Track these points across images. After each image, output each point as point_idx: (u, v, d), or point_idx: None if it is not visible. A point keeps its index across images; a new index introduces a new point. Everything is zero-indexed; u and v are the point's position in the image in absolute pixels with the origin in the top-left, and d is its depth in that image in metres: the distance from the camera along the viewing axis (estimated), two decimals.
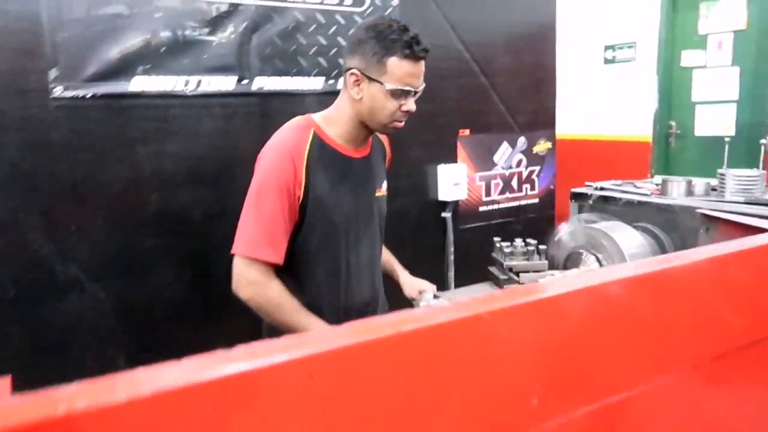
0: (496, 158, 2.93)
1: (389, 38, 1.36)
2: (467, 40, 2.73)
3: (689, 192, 1.61)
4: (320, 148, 1.41)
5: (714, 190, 1.65)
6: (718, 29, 4.34)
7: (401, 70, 1.36)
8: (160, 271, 2.09)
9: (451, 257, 2.78)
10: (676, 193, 1.60)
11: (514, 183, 3.01)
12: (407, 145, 2.62)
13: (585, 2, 5.08)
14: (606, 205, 1.68)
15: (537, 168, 3.08)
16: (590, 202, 1.71)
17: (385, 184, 1.63)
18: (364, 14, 2.43)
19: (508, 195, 3.00)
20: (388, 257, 1.81)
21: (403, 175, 2.64)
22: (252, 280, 1.36)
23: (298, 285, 1.43)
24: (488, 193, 2.92)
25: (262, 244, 1.35)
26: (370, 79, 1.37)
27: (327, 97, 2.38)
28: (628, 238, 1.47)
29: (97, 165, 1.94)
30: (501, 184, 2.96)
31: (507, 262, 1.44)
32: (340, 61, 2.38)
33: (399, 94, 1.37)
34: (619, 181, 1.87)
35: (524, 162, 3.02)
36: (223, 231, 2.16)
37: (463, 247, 2.85)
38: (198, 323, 2.14)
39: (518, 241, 1.49)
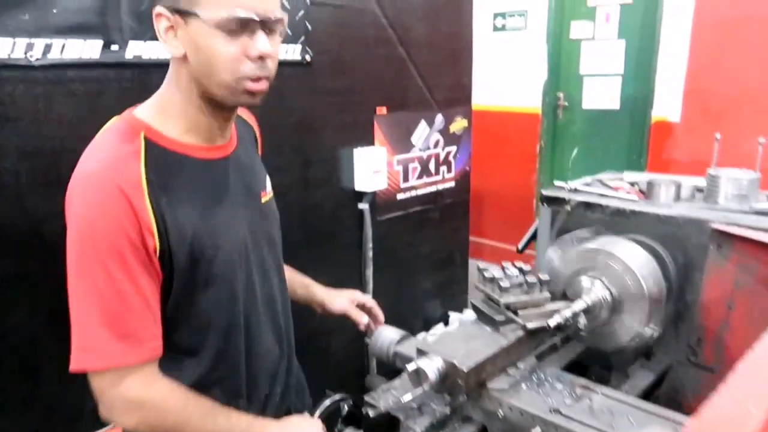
0: (414, 139, 2.61)
1: None
2: (385, 5, 2.34)
3: (678, 196, 1.40)
4: (161, 160, 0.93)
5: (700, 191, 1.47)
6: (606, 2, 4.34)
7: None
8: (6, 308, 1.52)
9: (370, 253, 2.45)
10: (665, 197, 1.39)
11: (432, 166, 2.73)
12: (317, 127, 2.21)
13: None
14: (588, 213, 1.43)
15: (453, 148, 2.81)
16: (567, 208, 1.45)
17: (269, 182, 1.18)
18: None
19: (425, 179, 2.71)
20: (294, 276, 1.37)
21: (314, 162, 2.23)
22: (133, 400, 0.91)
23: (177, 364, 0.98)
24: (406, 179, 2.61)
25: (126, 343, 0.89)
26: (184, 15, 0.88)
27: None
28: (633, 255, 1.23)
29: None
30: (419, 168, 2.66)
31: (504, 299, 1.13)
32: None
33: (235, 29, 0.87)
34: (587, 179, 1.64)
35: (441, 142, 2.75)
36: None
37: (382, 242, 2.52)
38: (60, 376, 1.61)
39: (510, 269, 1.19)
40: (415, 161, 2.63)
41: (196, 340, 1.01)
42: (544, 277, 1.17)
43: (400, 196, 2.60)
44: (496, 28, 4.86)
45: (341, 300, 1.36)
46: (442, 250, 2.89)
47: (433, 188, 2.76)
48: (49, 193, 1.55)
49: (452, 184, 2.85)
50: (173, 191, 0.93)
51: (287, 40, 2.03)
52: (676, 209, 1.33)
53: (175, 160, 0.95)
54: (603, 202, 1.41)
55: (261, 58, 0.90)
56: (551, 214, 1.50)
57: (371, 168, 2.35)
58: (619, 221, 1.37)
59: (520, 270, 1.21)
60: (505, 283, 1.13)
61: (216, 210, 0.99)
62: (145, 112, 0.99)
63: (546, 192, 1.52)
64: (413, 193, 2.67)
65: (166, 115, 0.97)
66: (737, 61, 3.59)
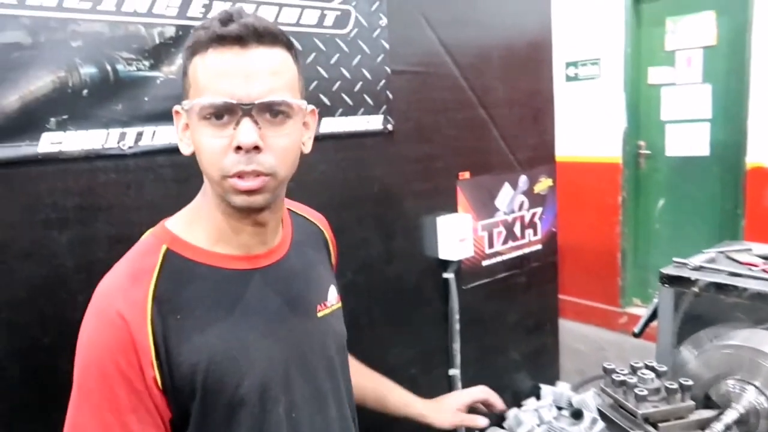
0: (497, 203, 2.49)
1: (193, 35, 0.84)
2: (463, 66, 2.28)
3: None
4: (180, 274, 0.85)
5: None
6: (687, 45, 4.16)
7: (207, 72, 0.80)
8: None
9: (457, 326, 2.31)
10: None
11: (517, 229, 2.59)
12: (399, 196, 2.14)
13: None
14: (720, 297, 1.25)
15: (539, 210, 2.67)
16: (695, 290, 1.28)
17: (333, 292, 1.03)
18: (347, 37, 1.92)
19: (511, 244, 2.57)
20: (382, 384, 1.23)
21: (397, 232, 2.15)
22: None
23: None
24: (491, 245, 2.48)
25: None
26: (187, 112, 0.85)
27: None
28: None
29: None
30: (504, 232, 2.53)
31: (642, 410, 0.97)
32: (323, 97, 1.88)
33: (216, 118, 0.79)
34: (711, 252, 1.47)
35: (526, 204, 2.61)
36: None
37: (467, 311, 2.38)
38: None
39: (645, 372, 1.04)
40: (500, 225, 2.51)
41: None
42: (686, 381, 1.01)
43: (485, 263, 2.47)
44: (568, 78, 4.74)
45: (447, 415, 1.20)
46: (531, 316, 2.71)
47: (519, 252, 2.62)
48: None
49: (539, 246, 2.70)
50: (189, 311, 0.84)
51: (369, 110, 1.99)
52: None
53: (197, 273, 0.86)
54: (739, 283, 1.24)
55: (244, 149, 0.79)
56: (674, 297, 1.33)
57: (456, 235, 2.24)
58: (761, 307, 1.19)
59: (653, 370, 1.05)
60: (641, 391, 0.98)
61: (242, 328, 0.87)
62: (176, 221, 0.94)
63: (666, 270, 1.36)
64: (499, 258, 2.53)
65: (196, 223, 0.91)
66: None
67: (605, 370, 1.06)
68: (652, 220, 4.52)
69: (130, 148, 1.48)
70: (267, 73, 0.80)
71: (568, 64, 4.67)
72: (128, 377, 0.80)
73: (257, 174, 0.81)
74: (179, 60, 1.56)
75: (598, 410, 1.07)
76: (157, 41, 1.52)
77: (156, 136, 1.53)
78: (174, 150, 1.57)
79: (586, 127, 4.61)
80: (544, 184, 2.68)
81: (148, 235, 0.94)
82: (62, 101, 1.38)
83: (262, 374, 0.86)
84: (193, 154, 0.88)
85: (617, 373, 1.04)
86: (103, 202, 1.46)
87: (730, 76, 3.94)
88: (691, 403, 1.00)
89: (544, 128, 2.67)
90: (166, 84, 1.54)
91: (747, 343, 1.08)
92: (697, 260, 1.40)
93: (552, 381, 2.78)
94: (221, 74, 0.78)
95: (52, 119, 1.37)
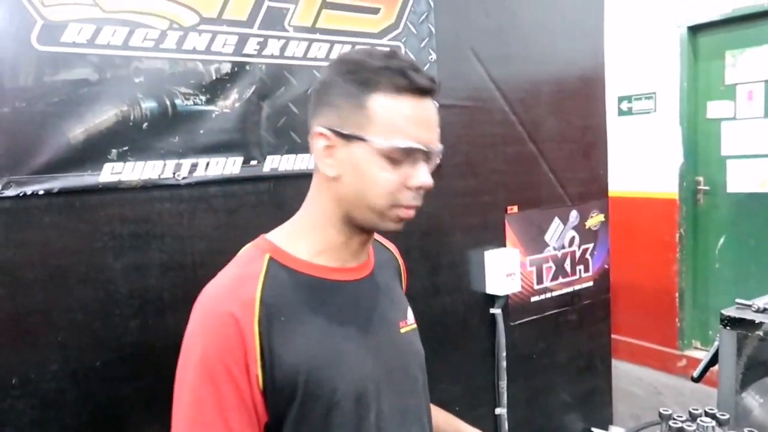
0: (547, 237, 2.45)
1: (369, 68, 0.86)
2: (513, 101, 2.27)
3: None
4: (283, 281, 0.90)
5: None
6: (748, 78, 4.02)
7: (397, 114, 0.85)
8: (142, 427, 1.50)
9: (504, 363, 2.26)
10: None
11: (567, 265, 2.53)
12: (447, 230, 2.12)
13: None
14: None
15: (590, 246, 2.60)
16: (760, 333, 1.20)
17: (411, 313, 1.08)
18: None
19: (561, 280, 2.51)
20: (460, 426, 1.24)
21: (443, 266, 2.13)
22: None
23: None
24: (540, 281, 2.43)
25: None
26: (348, 138, 0.86)
27: None
28: None
29: (52, 287, 1.37)
30: (553, 268, 2.47)
31: None
32: None
33: (399, 158, 0.86)
34: None
35: (577, 240, 2.55)
36: None
37: (515, 348, 2.33)
38: None
39: (705, 420, 0.98)
40: (550, 261, 2.45)
41: None
42: (751, 431, 0.94)
43: (534, 299, 2.42)
44: (621, 112, 4.65)
45: None
46: (582, 356, 2.62)
47: (569, 289, 2.55)
48: (187, 309, 1.55)
49: (590, 283, 2.62)
50: (292, 315, 0.88)
51: None
52: None
53: (299, 282, 0.91)
54: None
55: (423, 189, 0.89)
56: (737, 340, 1.26)
57: (503, 270, 2.20)
58: None
59: (714, 417, 0.99)
60: None
61: (338, 335, 0.91)
62: (276, 234, 0.98)
63: (728, 312, 1.29)
64: (548, 295, 2.47)
65: (299, 235, 0.95)
66: None
67: (661, 416, 1.00)
68: (712, 258, 4.32)
69: (184, 178, 1.54)
70: (438, 124, 0.92)
71: (621, 99, 4.59)
72: (234, 376, 0.83)
73: (418, 207, 0.93)
74: (234, 95, 1.62)
75: None
76: (214, 77, 1.58)
77: (209, 168, 1.58)
78: (225, 181, 1.62)
79: (641, 162, 4.48)
80: (595, 220, 2.61)
81: (248, 248, 0.98)
82: (123, 134, 1.45)
83: (357, 381, 0.90)
84: (334, 180, 0.92)
85: (675, 420, 0.98)
86: (157, 230, 1.51)
87: None
88: None
89: (596, 163, 2.62)
90: (221, 117, 1.60)
91: None
92: (761, 302, 1.32)
93: (605, 425, 2.66)
94: (416, 123, 0.86)
95: (114, 150, 1.43)
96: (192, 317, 0.90)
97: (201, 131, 1.57)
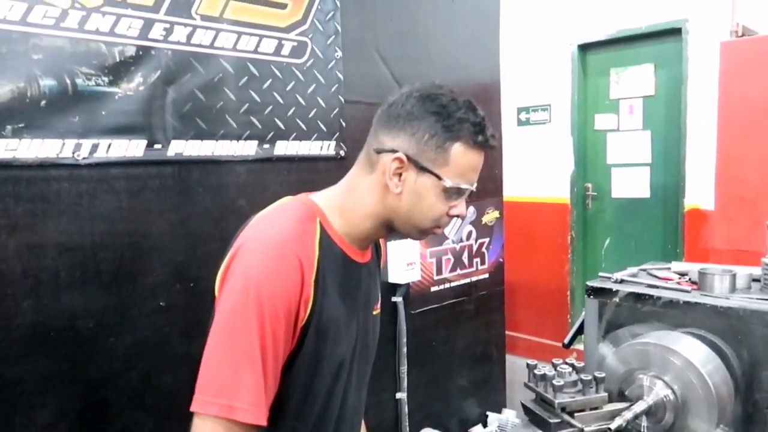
0: (446, 231, 2.59)
1: (455, 116, 0.99)
2: None
3: (733, 286, 1.33)
4: (329, 250, 1.01)
5: (756, 281, 1.39)
6: (629, 94, 4.43)
7: (467, 162, 1.00)
8: (35, 410, 1.47)
9: (404, 349, 2.37)
10: (720, 288, 1.32)
11: (465, 258, 2.68)
12: None
13: None
14: (638, 305, 1.36)
15: (486, 240, 2.78)
16: (616, 300, 1.38)
17: (379, 296, 1.22)
18: (303, 66, 2.02)
19: (459, 272, 2.66)
20: None
21: None
22: None
23: None
24: (439, 271, 2.57)
25: (244, 398, 0.89)
26: (421, 170, 0.99)
27: (259, 166, 1.94)
28: (694, 350, 1.15)
29: None
30: (452, 260, 2.62)
31: (558, 400, 1.05)
32: (278, 121, 1.96)
33: (453, 193, 1.01)
34: (634, 269, 1.58)
35: (474, 234, 2.72)
36: (125, 348, 1.60)
37: (416, 336, 2.44)
38: None
39: (564, 367, 1.12)
40: (449, 253, 2.60)
41: (280, 426, 0.98)
42: (600, 374, 1.09)
43: (433, 289, 2.55)
44: (520, 122, 4.96)
45: None
46: (478, 344, 2.78)
47: (467, 280, 2.71)
48: (85, 290, 1.54)
49: (486, 276, 2.80)
50: (328, 279, 0.99)
51: (322, 136, 2.08)
52: (735, 300, 1.26)
53: (336, 253, 1.02)
54: (654, 293, 1.35)
55: (460, 218, 1.07)
56: (598, 307, 1.43)
57: (404, 260, 2.31)
58: (672, 314, 1.30)
59: (573, 367, 1.13)
60: (558, 382, 1.06)
61: (346, 307, 1.04)
62: (321, 201, 1.05)
63: (591, 283, 1.46)
64: (447, 285, 2.61)
65: (338, 213, 1.04)
66: (766, 148, 3.57)
67: (528, 366, 1.13)
68: (599, 259, 4.69)
69: (84, 159, 1.53)
70: None
71: (520, 110, 4.90)
72: (292, 313, 0.93)
73: None
74: (138, 78, 1.63)
75: (521, 403, 1.14)
76: (118, 59, 1.59)
77: (111, 149, 1.58)
78: (128, 163, 1.63)
79: (538, 169, 4.81)
80: (491, 216, 2.79)
81: (297, 202, 1.05)
82: (20, 110, 1.43)
83: (346, 347, 1.05)
84: (395, 196, 1.01)
85: (539, 368, 1.11)
86: (54, 209, 1.49)
87: (667, 124, 4.21)
88: (605, 394, 1.08)
89: (492, 162, 2.80)
90: (124, 100, 1.60)
91: (659, 341, 1.18)
92: (620, 275, 1.51)
93: (499, 409, 2.83)
94: (475, 170, 1.02)
95: (9, 127, 1.41)
96: (253, 257, 0.94)
97: (103, 112, 1.57)
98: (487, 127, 1.01)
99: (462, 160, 0.99)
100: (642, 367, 1.17)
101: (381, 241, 1.26)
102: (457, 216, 1.04)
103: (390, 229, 1.05)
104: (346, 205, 1.04)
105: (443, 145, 0.97)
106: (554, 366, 1.13)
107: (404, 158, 0.97)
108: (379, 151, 1.00)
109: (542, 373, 1.10)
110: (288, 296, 0.92)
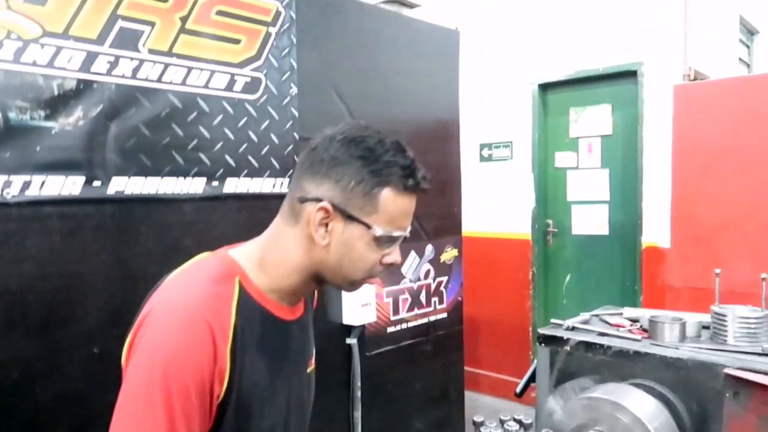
0: (404, 270, 2.55)
1: (383, 160, 0.94)
2: None
3: (683, 335, 1.32)
4: (250, 312, 0.92)
5: (706, 328, 1.38)
6: (588, 133, 4.51)
7: (397, 208, 0.95)
8: None
9: (359, 393, 2.29)
10: (670, 336, 1.30)
11: (423, 297, 2.64)
12: None
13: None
14: (588, 354, 1.33)
15: (445, 279, 2.75)
16: (567, 348, 1.35)
17: (314, 351, 1.14)
18: (256, 102, 1.98)
19: (416, 311, 2.61)
20: None
21: None
22: None
23: None
24: (396, 311, 2.52)
25: None
26: (349, 218, 0.93)
27: (207, 204, 1.88)
28: (642, 405, 1.12)
29: None
30: (409, 299, 2.57)
31: None
32: (228, 158, 1.91)
33: (385, 241, 0.95)
34: (586, 315, 1.56)
35: (432, 272, 2.68)
36: (53, 398, 1.49)
37: (371, 378, 2.37)
38: None
39: (511, 425, 1.07)
40: (406, 293, 2.55)
41: None
42: None
43: (390, 329, 2.49)
44: (483, 158, 5.00)
45: None
46: (436, 385, 2.72)
47: (425, 320, 2.66)
48: (9, 337, 1.44)
49: (444, 315, 2.75)
50: (250, 345, 0.91)
51: (275, 173, 2.03)
52: (683, 350, 1.24)
53: (259, 314, 0.94)
54: (604, 341, 1.32)
55: (395, 266, 1.00)
56: (549, 355, 1.40)
57: (359, 300, 2.26)
58: (622, 363, 1.27)
59: (520, 423, 1.09)
60: None
61: (275, 372, 0.97)
62: (241, 257, 0.97)
63: (543, 331, 1.43)
64: (404, 325, 2.56)
65: (262, 269, 0.96)
66: (719, 188, 3.66)
67: (474, 423, 1.08)
68: (560, 295, 4.71)
69: (14, 196, 1.44)
70: None
71: (483, 146, 4.95)
72: (204, 389, 0.84)
73: None
74: (78, 112, 1.56)
75: None
76: (56, 92, 1.52)
77: (45, 186, 1.50)
78: (63, 201, 1.54)
79: (499, 205, 4.84)
80: (450, 254, 2.77)
81: (214, 259, 0.97)
82: None
83: (276, 416, 0.97)
84: (322, 248, 0.95)
85: (486, 426, 1.06)
86: None
87: (625, 163, 4.30)
88: None
89: (450, 200, 2.79)
90: (62, 135, 1.53)
91: (608, 396, 1.14)
92: (571, 321, 1.48)
93: None
94: (407, 215, 0.98)
95: None
96: (159, 327, 0.85)
97: (38, 147, 1.49)
98: (418, 169, 0.97)
99: (392, 207, 0.93)
100: (591, 423, 1.13)
101: None
102: (391, 265, 0.99)
103: (320, 281, 0.99)
104: (269, 259, 0.96)
105: (371, 192, 0.92)
106: (501, 423, 1.09)
107: (330, 207, 0.92)
108: (302, 200, 0.93)
109: (489, 430, 1.05)
110: (200, 370, 0.83)
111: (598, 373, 1.30)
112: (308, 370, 1.09)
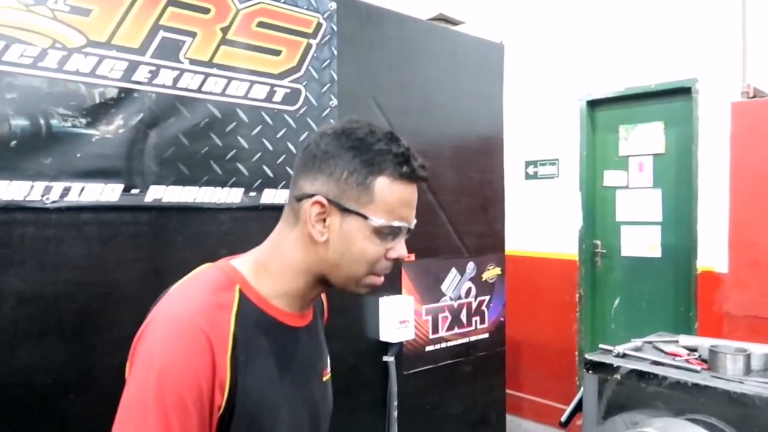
0: (444, 287, 2.47)
1: (374, 149, 0.91)
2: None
3: (748, 368, 1.20)
4: (251, 319, 0.90)
5: None
6: (638, 151, 4.35)
7: (394, 197, 0.91)
8: None
9: (395, 413, 2.21)
10: (733, 369, 1.19)
11: (463, 316, 2.56)
12: None
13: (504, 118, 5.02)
14: (641, 385, 1.23)
15: (487, 298, 2.65)
16: (617, 377, 1.25)
17: (328, 360, 1.11)
18: (296, 113, 1.97)
19: (457, 330, 2.53)
20: None
21: (336, 311, 2.09)
22: None
23: None
24: (435, 330, 2.44)
25: None
26: (345, 211, 0.90)
27: (244, 214, 1.86)
28: None
29: None
30: (449, 318, 2.49)
31: None
32: (266, 169, 1.89)
33: (387, 233, 0.91)
34: (639, 341, 1.45)
35: (473, 291, 2.60)
36: (85, 407, 1.47)
37: (408, 399, 2.30)
38: None
39: None
40: (446, 311, 2.47)
41: None
42: None
43: (429, 348, 2.42)
44: (528, 176, 4.88)
45: None
46: (476, 408, 2.62)
47: (465, 340, 2.57)
48: (44, 343, 1.44)
49: (486, 335, 2.66)
50: (253, 353, 0.89)
51: None
52: (749, 385, 1.12)
53: (262, 321, 0.92)
54: (659, 371, 1.22)
55: (400, 260, 0.96)
56: (597, 383, 1.30)
57: (397, 318, 2.20)
58: (679, 396, 1.17)
59: None
60: None
61: (284, 382, 0.94)
62: (243, 265, 0.95)
63: (591, 357, 1.34)
64: (443, 344, 2.48)
65: (265, 275, 0.94)
66: None
67: None
68: (608, 319, 4.51)
69: (53, 202, 1.45)
70: None
71: (528, 163, 4.84)
72: (203, 400, 0.81)
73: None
74: (118, 120, 1.57)
75: None
76: (98, 101, 1.54)
77: (84, 193, 1.51)
78: (101, 208, 1.55)
79: (545, 224, 4.70)
80: (492, 272, 2.68)
81: (214, 270, 0.94)
82: None
83: (291, 425, 0.93)
84: (321, 245, 0.93)
85: None
86: (17, 255, 1.40)
87: (679, 182, 4.11)
88: None
89: (493, 217, 2.71)
90: (102, 142, 1.54)
91: (663, 431, 1.04)
92: (622, 348, 1.38)
93: None
94: (406, 204, 0.93)
95: None
96: (155, 339, 0.83)
97: (78, 154, 1.50)
98: (413, 157, 0.93)
99: (388, 195, 0.90)
100: None
101: (323, 295, 1.16)
102: (397, 259, 0.95)
103: (326, 283, 0.95)
104: (272, 264, 0.94)
105: (365, 182, 0.90)
106: None
107: (324, 201, 0.90)
108: (299, 199, 0.91)
109: None
110: (197, 382, 0.80)
111: (652, 406, 1.20)
112: (324, 379, 1.05)
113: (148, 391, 0.79)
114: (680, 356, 1.31)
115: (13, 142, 1.40)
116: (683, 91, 4.00)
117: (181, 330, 0.82)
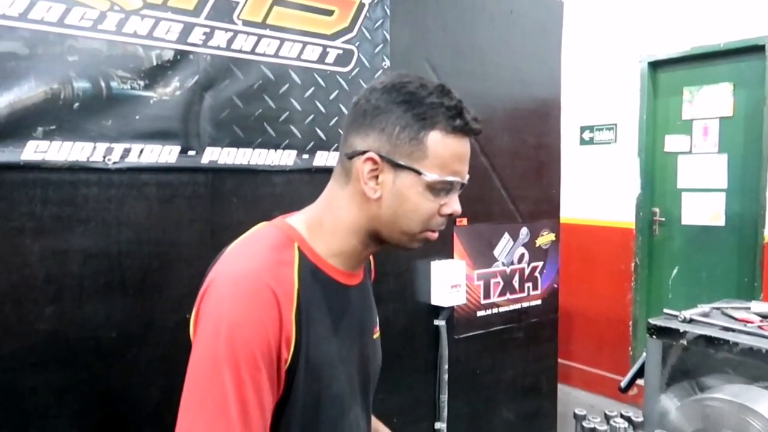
0: (496, 252, 2.44)
1: (426, 102, 0.88)
2: None
3: None
4: (311, 277, 0.90)
5: None
6: (703, 115, 4.13)
7: (448, 151, 0.89)
8: (49, 421, 1.42)
9: (445, 376, 2.22)
10: None
11: (516, 282, 2.52)
12: None
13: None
14: (710, 351, 1.17)
15: (540, 264, 2.60)
16: (683, 342, 1.20)
17: (377, 319, 1.11)
18: (348, 75, 1.94)
19: (508, 296, 2.50)
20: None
21: (388, 274, 2.09)
22: None
23: None
24: (487, 295, 2.41)
25: None
26: (398, 167, 0.88)
27: (297, 176, 1.87)
28: None
29: None
30: (501, 284, 2.46)
31: None
32: (319, 131, 1.88)
33: (440, 189, 0.89)
34: (706, 307, 1.39)
35: (526, 257, 2.55)
36: (147, 362, 1.53)
37: (459, 363, 2.30)
38: None
39: (618, 421, 0.96)
40: (498, 276, 2.44)
41: None
42: None
43: (480, 313, 2.40)
44: (583, 141, 4.73)
45: None
46: (527, 375, 2.60)
47: (517, 306, 2.54)
48: (108, 299, 1.49)
49: (538, 302, 2.62)
50: (313, 310, 0.89)
51: None
52: None
53: (319, 279, 0.92)
54: (730, 337, 1.16)
55: (454, 216, 0.94)
56: (661, 349, 1.25)
57: (449, 282, 2.18)
58: (753, 364, 1.11)
59: (629, 421, 0.97)
60: None
61: (339, 338, 0.95)
62: (298, 223, 0.95)
63: (655, 321, 1.29)
64: (495, 310, 2.46)
65: (319, 234, 0.94)
66: None
67: (575, 416, 0.98)
68: (665, 289, 4.37)
69: (115, 163, 1.49)
70: None
71: (583, 128, 4.67)
72: (272, 355, 0.82)
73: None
74: (175, 83, 1.59)
75: None
76: (155, 63, 1.55)
77: (143, 154, 1.54)
78: (160, 169, 1.58)
79: (601, 191, 4.55)
80: (546, 238, 2.62)
81: (272, 228, 0.94)
82: (52, 112, 1.40)
83: (344, 382, 0.95)
84: (375, 201, 0.92)
85: (589, 420, 0.96)
86: (82, 214, 1.45)
87: (747, 148, 3.89)
88: None
89: (548, 182, 2.64)
90: (159, 104, 1.56)
91: (735, 398, 1.00)
92: (688, 313, 1.32)
93: None
94: (459, 159, 0.91)
95: (40, 128, 1.38)
96: (223, 297, 0.83)
97: (137, 116, 1.53)
98: (466, 110, 0.90)
99: (442, 150, 0.88)
100: (713, 427, 0.99)
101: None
102: (451, 215, 0.93)
103: (380, 241, 0.95)
104: (326, 223, 0.93)
105: (417, 136, 0.87)
106: (607, 419, 0.97)
107: (377, 157, 0.88)
108: (350, 156, 0.90)
109: (591, 427, 0.94)
110: (266, 337, 0.81)
111: (721, 372, 1.15)
112: (374, 337, 1.06)
113: (219, 349, 0.79)
114: (752, 322, 1.24)
115: (76, 104, 1.43)
116: (755, 50, 3.75)
117: (249, 287, 0.82)
